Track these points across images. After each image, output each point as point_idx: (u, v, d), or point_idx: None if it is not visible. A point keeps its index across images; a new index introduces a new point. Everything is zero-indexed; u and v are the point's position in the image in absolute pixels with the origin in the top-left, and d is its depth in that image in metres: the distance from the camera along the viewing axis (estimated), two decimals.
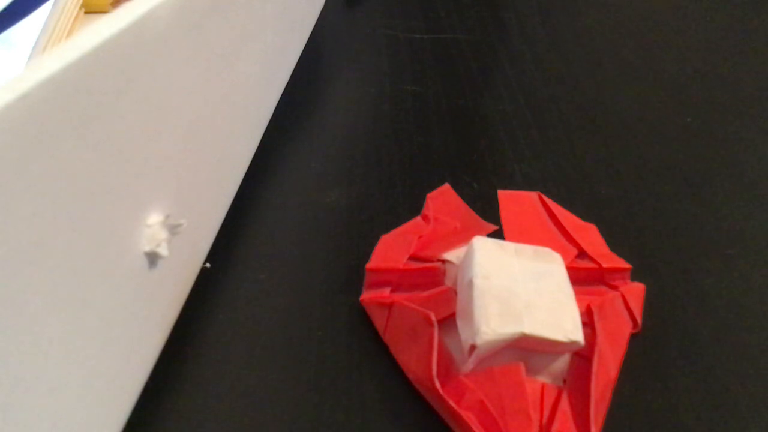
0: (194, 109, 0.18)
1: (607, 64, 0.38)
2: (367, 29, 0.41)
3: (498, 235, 0.26)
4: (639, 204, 0.28)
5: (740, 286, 0.24)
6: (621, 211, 0.27)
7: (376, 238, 0.25)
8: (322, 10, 0.40)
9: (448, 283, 0.22)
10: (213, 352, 0.21)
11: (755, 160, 0.31)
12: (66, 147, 0.12)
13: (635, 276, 0.24)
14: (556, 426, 0.18)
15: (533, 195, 0.28)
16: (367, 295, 0.23)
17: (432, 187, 0.28)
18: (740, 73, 0.38)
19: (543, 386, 0.20)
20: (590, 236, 0.25)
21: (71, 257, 0.13)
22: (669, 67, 0.38)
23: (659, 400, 0.20)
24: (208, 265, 0.24)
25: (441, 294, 0.22)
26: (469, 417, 0.18)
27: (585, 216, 0.27)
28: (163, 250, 0.17)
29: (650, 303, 0.23)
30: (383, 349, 0.21)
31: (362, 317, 0.22)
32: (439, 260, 0.23)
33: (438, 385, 0.19)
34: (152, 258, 0.17)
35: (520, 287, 0.20)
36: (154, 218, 0.17)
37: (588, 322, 0.21)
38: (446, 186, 0.28)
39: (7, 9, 0.30)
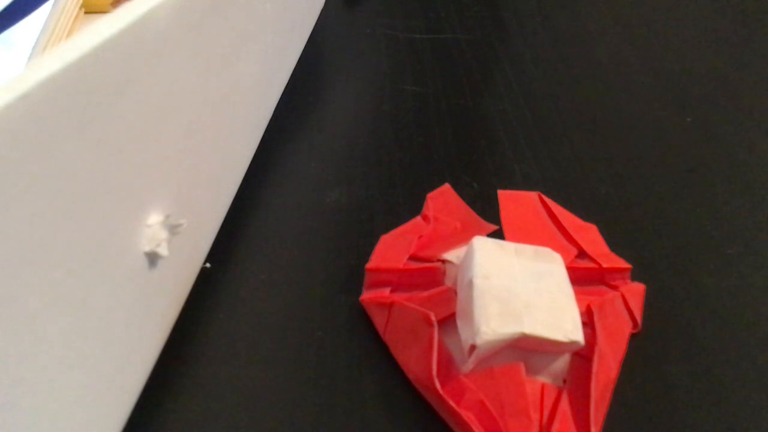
0: (194, 109, 0.18)
1: (607, 64, 0.38)
2: (367, 29, 0.41)
3: (498, 235, 0.26)
4: (639, 204, 0.28)
5: (740, 286, 0.24)
6: (621, 211, 0.27)
7: (376, 238, 0.25)
8: (322, 10, 0.40)
9: (448, 283, 0.22)
10: (213, 352, 0.21)
11: (755, 160, 0.31)
12: (66, 147, 0.12)
13: (635, 276, 0.24)
14: (556, 426, 0.18)
15: (533, 195, 0.28)
16: (367, 295, 0.23)
17: (432, 187, 0.28)
18: (740, 73, 0.38)
19: (543, 386, 0.20)
20: (590, 236, 0.25)
21: (71, 257, 0.13)
22: (669, 67, 0.38)
23: (659, 400, 0.20)
24: (208, 265, 0.24)
25: (441, 294, 0.22)
26: (469, 417, 0.18)
27: (585, 216, 0.27)
28: (163, 250, 0.17)
29: (650, 303, 0.23)
30: (383, 349, 0.21)
31: (362, 317, 0.22)
32: (439, 260, 0.23)
33: (438, 385, 0.19)
34: (152, 258, 0.17)
35: (520, 287, 0.20)
36: (154, 218, 0.17)
37: (588, 322, 0.21)
38: (446, 186, 0.28)
39: (7, 9, 0.30)
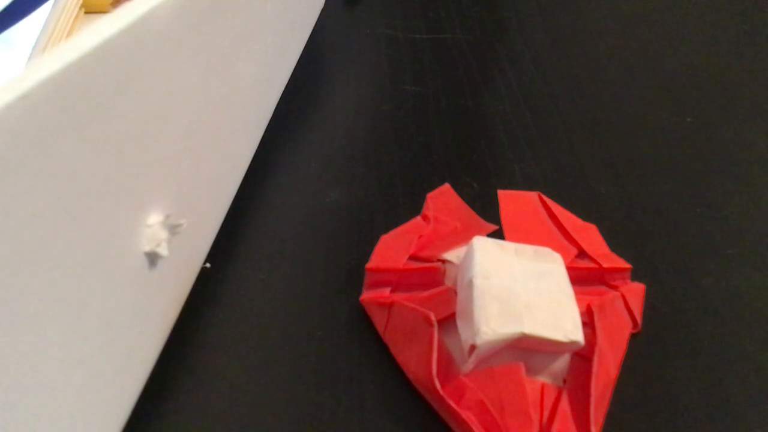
0: (194, 110, 0.18)
1: (607, 64, 0.38)
2: (367, 29, 0.41)
3: (498, 235, 0.26)
4: (639, 204, 0.28)
5: (740, 286, 0.24)
6: (621, 211, 0.27)
7: (376, 238, 0.25)
8: (322, 10, 0.40)
9: (448, 283, 0.22)
10: (213, 352, 0.21)
11: (755, 160, 0.31)
12: (66, 147, 0.12)
13: (635, 276, 0.24)
14: (556, 426, 0.18)
15: (533, 195, 0.28)
16: (367, 295, 0.23)
17: (432, 187, 0.28)
18: (740, 73, 0.38)
19: (543, 386, 0.20)
20: (590, 236, 0.25)
21: (71, 257, 0.13)
22: (669, 67, 0.38)
23: (659, 400, 0.20)
24: (208, 265, 0.24)
25: (441, 294, 0.22)
26: (469, 417, 0.18)
27: (585, 216, 0.27)
28: (163, 250, 0.17)
29: (650, 303, 0.23)
30: (383, 349, 0.21)
31: (362, 317, 0.22)
32: (439, 260, 0.23)
33: (438, 385, 0.19)
34: (152, 258, 0.17)
35: (520, 287, 0.20)
36: (154, 218, 0.17)
37: (588, 322, 0.21)
38: (446, 186, 0.28)
39: (7, 9, 0.30)
